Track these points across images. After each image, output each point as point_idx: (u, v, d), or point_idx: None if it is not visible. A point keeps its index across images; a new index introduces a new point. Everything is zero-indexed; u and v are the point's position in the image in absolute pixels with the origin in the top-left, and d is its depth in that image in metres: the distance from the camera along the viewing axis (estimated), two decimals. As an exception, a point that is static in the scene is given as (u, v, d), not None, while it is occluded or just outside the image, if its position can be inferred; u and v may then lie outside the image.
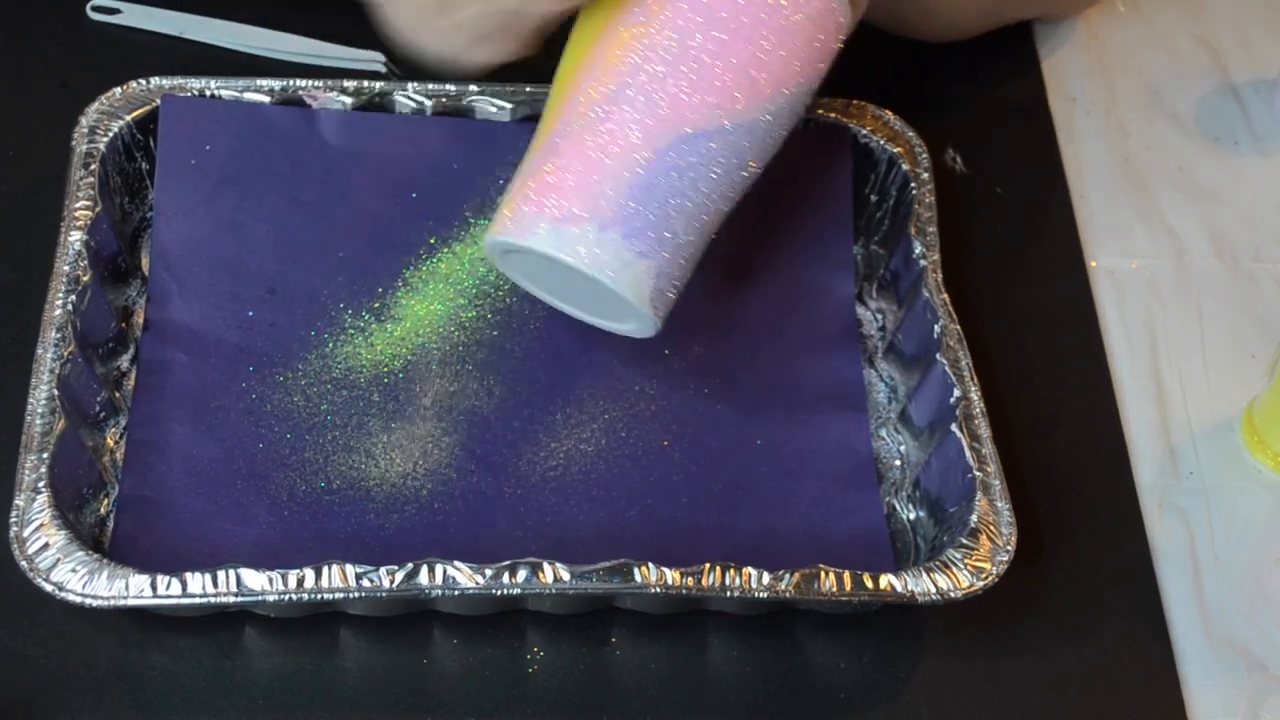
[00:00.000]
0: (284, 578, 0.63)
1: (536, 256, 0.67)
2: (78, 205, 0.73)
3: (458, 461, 0.72)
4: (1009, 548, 0.67)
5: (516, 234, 0.67)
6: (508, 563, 0.64)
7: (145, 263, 0.76)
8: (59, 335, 0.68)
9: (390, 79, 0.84)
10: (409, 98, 0.79)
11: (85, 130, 0.75)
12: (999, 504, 0.68)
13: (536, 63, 0.73)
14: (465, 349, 0.75)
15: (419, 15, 0.70)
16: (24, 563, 0.63)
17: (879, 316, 0.80)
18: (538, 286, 0.74)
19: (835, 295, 0.79)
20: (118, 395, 0.72)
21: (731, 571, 0.65)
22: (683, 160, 0.67)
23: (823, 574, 0.65)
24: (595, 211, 0.66)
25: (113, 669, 0.66)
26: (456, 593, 0.64)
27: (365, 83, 0.79)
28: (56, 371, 0.67)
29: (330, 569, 0.63)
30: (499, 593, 0.64)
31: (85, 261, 0.71)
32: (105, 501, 0.69)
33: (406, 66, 0.85)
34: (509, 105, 0.80)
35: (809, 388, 0.76)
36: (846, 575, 0.65)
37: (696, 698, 0.68)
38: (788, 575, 0.65)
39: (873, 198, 0.81)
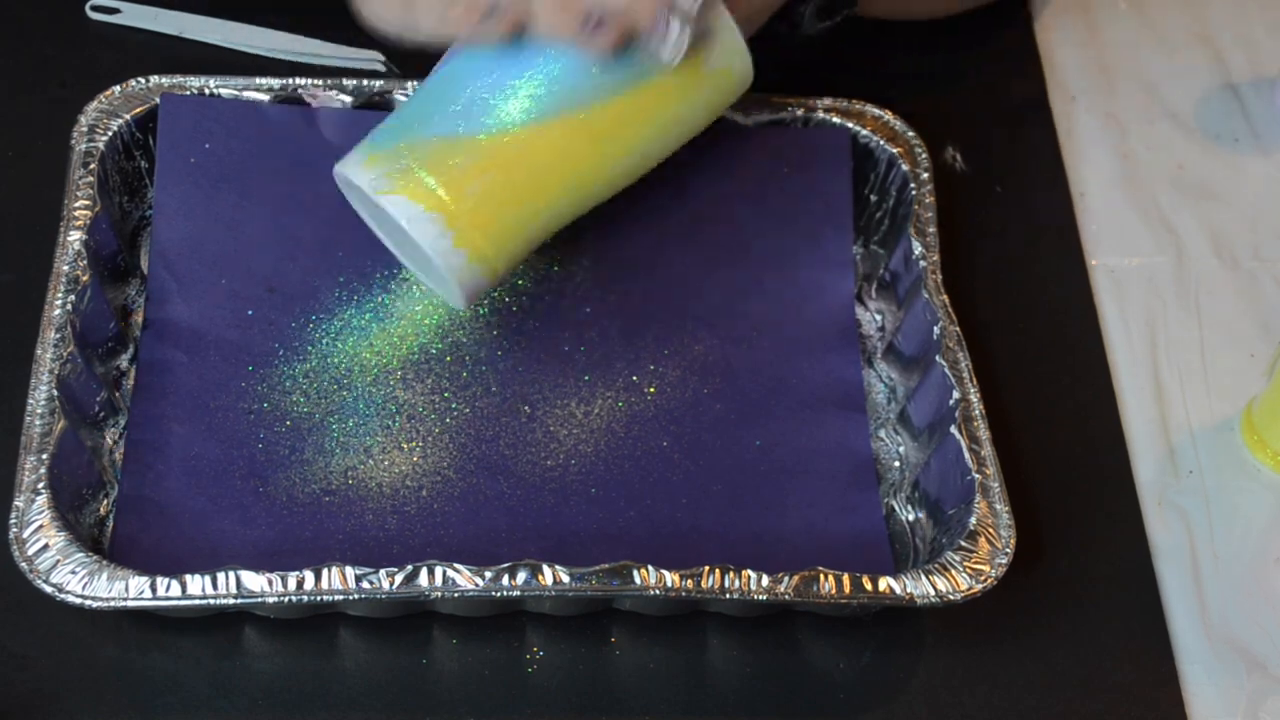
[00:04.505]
0: (284, 579, 0.63)
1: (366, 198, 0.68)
2: (77, 204, 0.73)
3: (457, 462, 0.72)
4: (1008, 550, 0.67)
5: (348, 166, 0.69)
6: (507, 565, 0.64)
7: (144, 262, 0.76)
8: (58, 335, 0.68)
9: (389, 78, 0.83)
10: (408, 96, 0.79)
11: (84, 129, 0.75)
12: (998, 506, 0.68)
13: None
14: (464, 349, 0.75)
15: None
16: (24, 564, 0.63)
17: (878, 317, 0.80)
18: (380, 230, 0.75)
19: (835, 295, 0.79)
20: (117, 395, 0.72)
21: (730, 574, 0.65)
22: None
23: (822, 576, 0.65)
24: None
25: (112, 669, 0.66)
26: (456, 595, 0.64)
27: (364, 82, 0.79)
28: (56, 371, 0.67)
29: (330, 571, 0.63)
30: (498, 594, 0.64)
31: (84, 261, 0.71)
32: (105, 502, 0.69)
33: (406, 65, 0.85)
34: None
35: (808, 388, 0.76)
36: (845, 578, 0.65)
37: (696, 698, 0.68)
38: (787, 577, 0.65)
39: (872, 198, 0.81)
